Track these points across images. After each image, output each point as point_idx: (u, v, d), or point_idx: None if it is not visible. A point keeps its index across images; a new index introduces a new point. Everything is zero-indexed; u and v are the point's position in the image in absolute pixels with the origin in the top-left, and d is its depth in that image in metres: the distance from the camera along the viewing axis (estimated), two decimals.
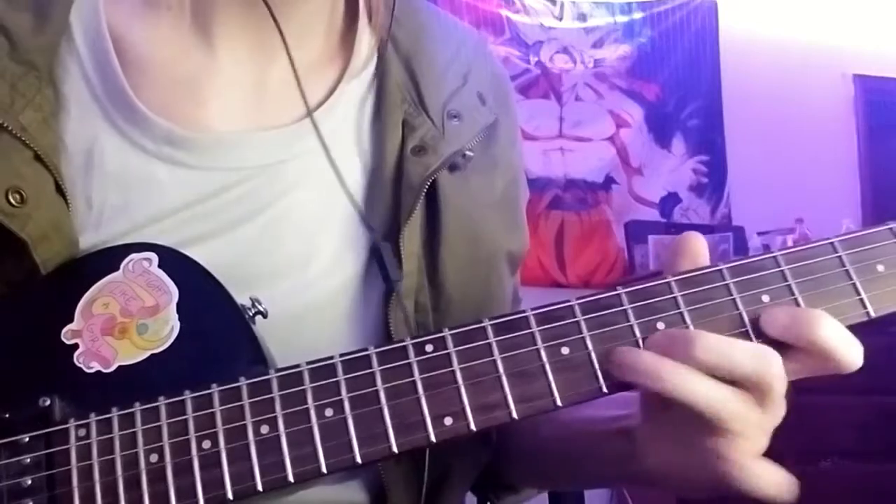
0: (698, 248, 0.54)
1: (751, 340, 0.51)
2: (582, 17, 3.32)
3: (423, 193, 0.66)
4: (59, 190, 0.60)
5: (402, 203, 0.66)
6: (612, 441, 0.59)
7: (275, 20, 0.66)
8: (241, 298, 0.58)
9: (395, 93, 0.71)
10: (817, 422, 2.22)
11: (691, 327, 0.51)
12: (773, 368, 0.49)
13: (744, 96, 3.36)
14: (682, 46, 3.39)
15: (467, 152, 0.70)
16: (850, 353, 0.50)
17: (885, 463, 2.46)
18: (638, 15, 3.37)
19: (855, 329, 0.51)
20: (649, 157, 3.31)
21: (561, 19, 3.30)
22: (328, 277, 0.65)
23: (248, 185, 0.64)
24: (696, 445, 0.51)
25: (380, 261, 0.64)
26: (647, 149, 3.31)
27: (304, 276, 0.64)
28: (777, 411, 0.51)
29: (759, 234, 3.09)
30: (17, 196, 0.57)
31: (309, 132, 0.68)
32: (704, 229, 3.05)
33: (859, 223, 3.26)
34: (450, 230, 0.68)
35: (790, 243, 2.89)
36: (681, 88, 3.37)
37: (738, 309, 0.52)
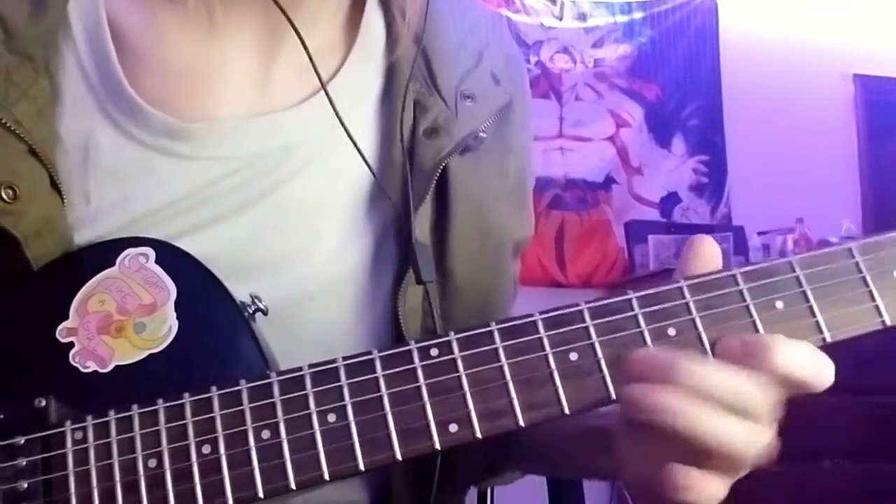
0: (709, 252, 0.52)
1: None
2: (582, 16, 3.31)
3: (436, 179, 0.64)
4: (54, 185, 0.58)
5: (414, 188, 0.64)
6: (593, 436, 0.57)
7: (280, 8, 0.63)
8: (242, 290, 0.57)
9: (406, 72, 0.68)
10: (817, 422, 2.21)
11: (703, 334, 0.50)
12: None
13: (744, 96, 3.36)
14: (682, 46, 3.38)
15: (480, 133, 0.67)
16: (813, 376, 0.48)
17: (885, 463, 2.46)
18: (638, 15, 3.36)
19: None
20: (649, 157, 3.30)
21: (561, 19, 3.29)
22: (332, 265, 0.63)
23: (248, 172, 0.62)
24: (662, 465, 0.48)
25: (413, 260, 0.62)
26: (647, 148, 3.31)
27: (306, 264, 0.62)
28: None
29: (759, 233, 3.09)
30: (11, 192, 0.55)
31: (316, 113, 0.65)
32: (704, 229, 3.05)
33: (859, 223, 3.26)
34: (460, 218, 0.66)
35: (790, 243, 2.90)
36: (681, 88, 3.37)
37: (751, 316, 0.50)
